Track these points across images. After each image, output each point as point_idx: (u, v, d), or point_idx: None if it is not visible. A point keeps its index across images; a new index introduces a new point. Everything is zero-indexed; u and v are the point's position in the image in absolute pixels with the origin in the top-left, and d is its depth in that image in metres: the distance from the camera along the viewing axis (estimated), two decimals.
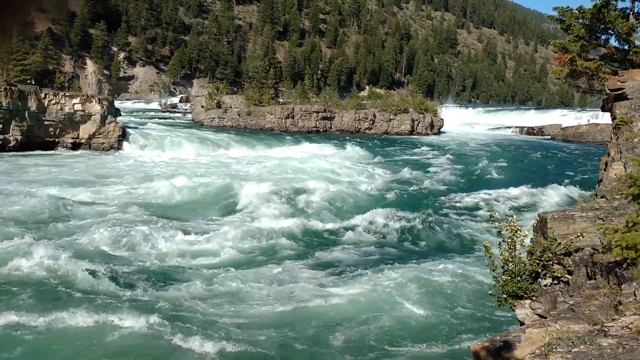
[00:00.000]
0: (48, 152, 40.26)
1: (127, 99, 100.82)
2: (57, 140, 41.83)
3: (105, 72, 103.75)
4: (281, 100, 77.06)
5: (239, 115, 62.30)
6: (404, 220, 24.51)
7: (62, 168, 33.85)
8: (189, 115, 71.02)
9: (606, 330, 5.28)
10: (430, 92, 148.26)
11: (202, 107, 64.41)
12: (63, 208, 23.57)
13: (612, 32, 16.50)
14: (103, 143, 43.06)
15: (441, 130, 69.67)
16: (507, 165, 42.82)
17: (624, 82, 13.60)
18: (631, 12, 16.19)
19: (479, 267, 18.25)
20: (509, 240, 8.60)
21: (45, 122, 40.89)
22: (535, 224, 10.40)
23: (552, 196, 31.04)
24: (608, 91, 14.26)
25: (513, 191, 31.85)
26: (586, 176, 36.55)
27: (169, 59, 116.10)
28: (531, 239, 9.51)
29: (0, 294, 14.73)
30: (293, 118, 62.49)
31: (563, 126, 71.24)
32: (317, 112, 63.60)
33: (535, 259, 8.62)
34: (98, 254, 18.38)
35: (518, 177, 37.37)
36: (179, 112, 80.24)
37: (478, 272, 17.62)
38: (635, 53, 15.90)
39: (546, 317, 7.43)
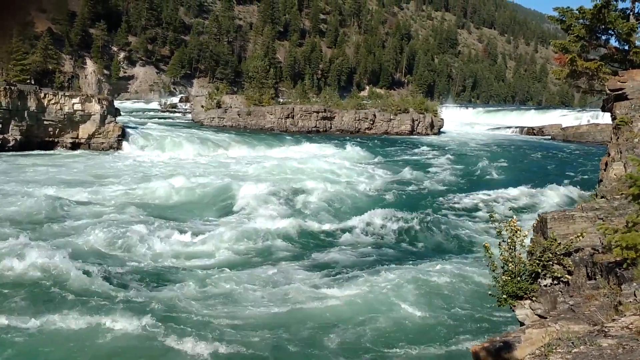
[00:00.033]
0: (47, 152, 40.20)
1: (127, 99, 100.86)
2: (56, 140, 41.82)
3: (105, 71, 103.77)
4: (281, 100, 77.06)
5: (238, 115, 62.30)
6: (403, 221, 24.38)
7: (60, 168, 33.74)
8: (189, 115, 71.02)
9: (606, 330, 5.27)
10: (431, 92, 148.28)
11: (202, 107, 64.41)
12: (59, 208, 23.44)
13: (613, 33, 16.50)
14: (102, 143, 43.05)
15: (441, 130, 69.68)
16: (507, 166, 42.79)
17: (624, 83, 13.60)
18: (631, 13, 16.19)
19: (477, 268, 18.19)
20: (509, 241, 8.59)
21: (45, 122, 40.88)
22: (535, 224, 10.40)
23: (552, 196, 31.02)
24: (608, 91, 14.26)
25: (513, 191, 31.78)
26: (586, 176, 36.53)
27: (169, 58, 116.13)
28: (531, 239, 9.50)
29: None
30: (293, 118, 62.49)
31: (563, 126, 71.26)
32: (317, 112, 63.60)
33: (535, 259, 8.61)
34: (93, 254, 18.29)
35: (518, 177, 37.34)
36: (179, 112, 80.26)
37: (476, 273, 17.54)
38: (635, 53, 15.90)
39: (546, 318, 7.43)
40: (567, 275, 8.48)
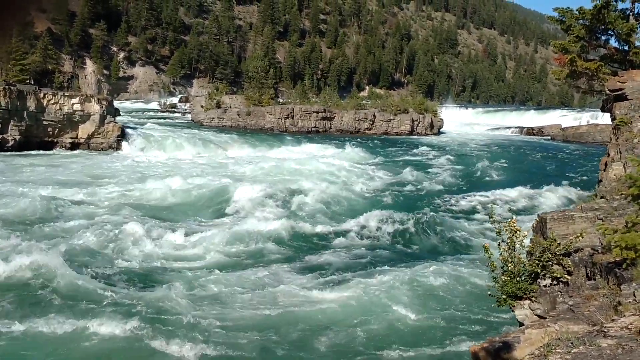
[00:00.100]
0: (46, 152, 40.14)
1: (126, 99, 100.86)
2: (55, 140, 41.80)
3: (105, 72, 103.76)
4: (281, 101, 77.09)
5: (238, 115, 62.30)
6: (399, 223, 24.19)
7: (57, 168, 33.60)
8: (189, 116, 71.03)
9: (605, 330, 5.28)
10: (430, 92, 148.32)
11: (202, 107, 64.41)
12: (53, 209, 23.25)
13: (612, 33, 16.51)
14: (102, 143, 43.04)
15: (441, 130, 69.72)
16: (506, 166, 42.77)
17: (624, 83, 13.60)
18: (631, 13, 16.20)
19: (472, 269, 18.14)
20: (509, 241, 8.60)
21: (44, 122, 40.86)
22: (534, 225, 10.40)
23: (552, 197, 31.03)
24: (608, 92, 14.26)
25: (512, 192, 31.75)
26: (586, 177, 36.54)
27: (168, 59, 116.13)
28: (530, 239, 9.50)
29: None
30: (293, 118, 62.49)
31: (563, 126, 71.31)
32: (317, 112, 63.60)
33: (534, 259, 8.62)
34: (84, 256, 18.10)
35: (517, 177, 37.32)
36: (179, 112, 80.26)
37: (472, 275, 17.48)
38: (635, 54, 15.91)
39: (545, 318, 7.43)
40: (566, 276, 8.48)
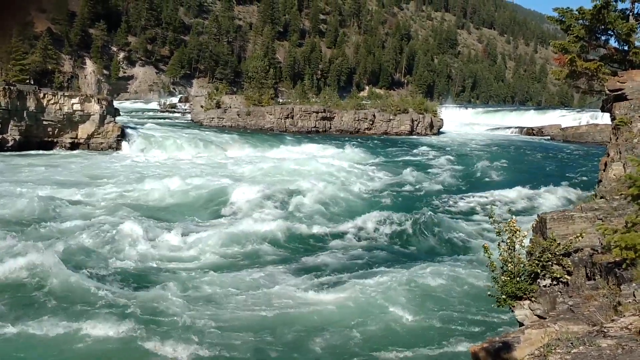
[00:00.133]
0: (45, 152, 40.11)
1: (126, 99, 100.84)
2: (55, 140, 41.80)
3: (105, 72, 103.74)
4: (281, 101, 77.07)
5: (238, 115, 62.29)
6: (398, 224, 24.10)
7: (56, 168, 33.55)
8: (188, 116, 71.02)
9: (605, 331, 5.28)
10: (430, 92, 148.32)
11: (202, 107, 64.40)
12: (51, 209, 23.19)
13: (612, 33, 16.50)
14: (102, 143, 43.04)
15: (441, 130, 69.72)
16: (506, 166, 42.77)
17: (624, 83, 13.60)
18: (631, 13, 16.20)
19: (471, 270, 18.11)
20: (508, 241, 8.60)
21: (44, 122, 40.86)
22: (534, 225, 10.40)
23: (552, 197, 31.03)
24: (608, 92, 14.26)
25: (512, 192, 31.74)
26: (585, 177, 36.53)
27: (168, 59, 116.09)
28: (530, 239, 9.50)
29: None
30: (292, 118, 62.49)
31: (562, 126, 71.33)
32: (317, 112, 63.60)
33: (534, 259, 8.62)
34: (79, 257, 18.00)
35: (517, 178, 37.31)
36: (178, 112, 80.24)
37: (470, 275, 17.45)
38: (634, 54, 15.91)
39: (545, 318, 7.43)
40: (566, 276, 8.48)
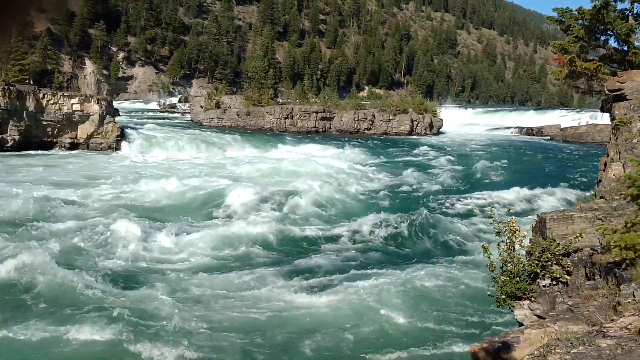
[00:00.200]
0: (45, 152, 40.06)
1: (125, 99, 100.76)
2: (55, 140, 41.79)
3: (104, 72, 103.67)
4: (280, 101, 77.04)
5: (238, 115, 62.28)
6: (396, 225, 23.90)
7: (54, 169, 33.43)
8: (188, 116, 70.97)
9: (605, 331, 5.28)
10: (430, 92, 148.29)
11: (201, 107, 64.38)
12: (45, 210, 23.06)
13: (612, 33, 16.52)
14: (101, 143, 43.03)
15: (440, 130, 69.73)
16: (506, 167, 42.76)
17: (623, 83, 13.61)
18: (630, 13, 16.21)
19: (468, 271, 18.04)
20: (508, 241, 8.60)
21: (44, 122, 40.85)
22: (534, 225, 10.40)
23: (551, 197, 31.02)
24: (607, 92, 14.27)
25: (511, 193, 31.69)
26: (585, 178, 36.53)
27: (168, 59, 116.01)
28: (530, 239, 9.51)
29: None
30: (292, 118, 62.48)
31: (562, 127, 71.36)
32: (317, 113, 63.60)
33: (534, 259, 8.62)
34: (70, 258, 17.81)
35: (517, 178, 37.29)
36: (178, 113, 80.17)
37: (467, 277, 17.38)
38: (634, 54, 15.92)
39: (545, 318, 7.43)
40: (566, 276, 8.49)
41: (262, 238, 21.67)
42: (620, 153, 12.50)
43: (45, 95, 40.98)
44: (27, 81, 54.44)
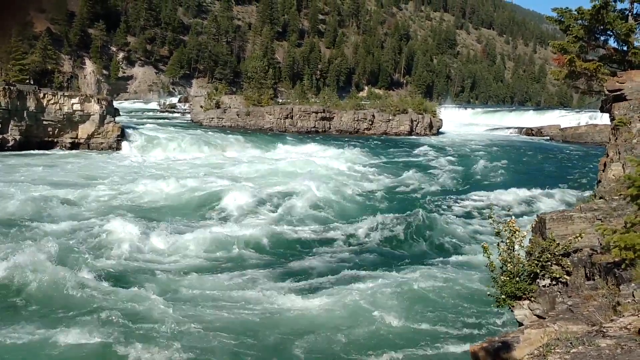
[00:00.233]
0: (45, 152, 40.06)
1: (125, 99, 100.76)
2: (55, 140, 41.81)
3: (104, 72, 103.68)
4: (280, 101, 77.05)
5: (237, 115, 62.29)
6: (394, 227, 23.75)
7: (53, 169, 33.41)
8: (188, 116, 71.01)
9: (604, 331, 5.28)
10: (429, 92, 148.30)
11: (201, 107, 64.40)
12: (41, 210, 22.97)
13: (611, 33, 16.52)
14: (102, 143, 43.03)
15: (440, 130, 69.75)
16: (505, 167, 42.77)
17: (623, 83, 13.61)
18: (630, 13, 16.21)
19: (463, 273, 17.98)
20: (508, 241, 8.61)
21: (44, 122, 40.88)
22: (533, 225, 10.41)
23: (551, 198, 31.02)
24: (607, 92, 14.27)
25: (511, 193, 31.66)
26: (585, 178, 36.53)
27: (168, 59, 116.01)
28: (530, 239, 9.51)
29: None
30: (292, 118, 62.49)
31: (562, 127, 71.39)
32: (316, 113, 63.61)
33: (533, 259, 8.63)
34: (62, 259, 17.53)
35: (516, 179, 37.32)
36: (178, 112, 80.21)
37: (462, 278, 17.34)
38: (634, 54, 15.92)
39: (545, 318, 7.43)
40: (565, 276, 8.49)
41: (257, 240, 21.48)
42: (619, 153, 12.50)
43: (46, 95, 41.00)
44: (27, 81, 54.46)
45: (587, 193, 20.73)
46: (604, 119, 50.44)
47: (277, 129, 61.25)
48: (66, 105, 41.46)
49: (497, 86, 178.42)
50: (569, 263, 8.56)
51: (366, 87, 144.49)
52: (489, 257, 8.63)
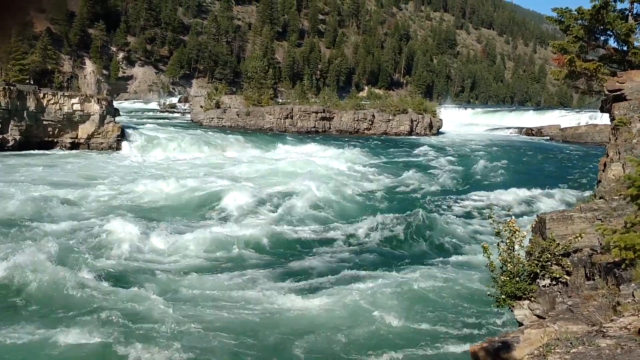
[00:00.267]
0: (45, 152, 40.04)
1: (125, 99, 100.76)
2: (55, 140, 41.81)
3: (104, 72, 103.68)
4: (280, 101, 77.05)
5: (237, 115, 62.29)
6: (393, 227, 23.73)
7: (53, 169, 33.39)
8: (188, 116, 71.01)
9: (604, 331, 5.28)
10: (429, 92, 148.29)
11: (201, 107, 64.40)
12: (41, 210, 22.94)
13: (611, 33, 16.52)
14: (102, 143, 43.03)
15: (440, 130, 69.75)
16: (505, 167, 42.76)
17: (623, 83, 13.61)
18: (630, 13, 16.21)
19: (463, 273, 17.96)
20: (508, 241, 8.60)
21: (44, 122, 40.88)
22: (533, 225, 10.41)
23: (551, 198, 31.02)
24: (607, 92, 14.27)
25: (511, 193, 31.65)
26: (585, 178, 36.52)
27: (168, 59, 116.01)
28: (530, 239, 9.51)
29: None
30: (292, 118, 62.49)
31: (562, 127, 71.38)
32: (316, 113, 63.61)
33: (533, 259, 8.63)
34: (62, 259, 17.50)
35: (516, 179, 37.31)
36: (178, 112, 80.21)
37: (462, 278, 17.33)
38: (634, 54, 15.92)
39: (545, 318, 7.43)
40: (565, 276, 8.49)
41: (257, 240, 21.46)
42: (619, 153, 12.50)
43: (46, 95, 41.00)
44: (27, 81, 54.46)
45: (587, 193, 20.73)
46: (604, 119, 50.44)
47: (277, 129, 61.25)
48: (66, 105, 41.46)
49: (497, 86, 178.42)
50: (569, 263, 8.56)
51: (366, 87, 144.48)
52: (489, 257, 8.63)
